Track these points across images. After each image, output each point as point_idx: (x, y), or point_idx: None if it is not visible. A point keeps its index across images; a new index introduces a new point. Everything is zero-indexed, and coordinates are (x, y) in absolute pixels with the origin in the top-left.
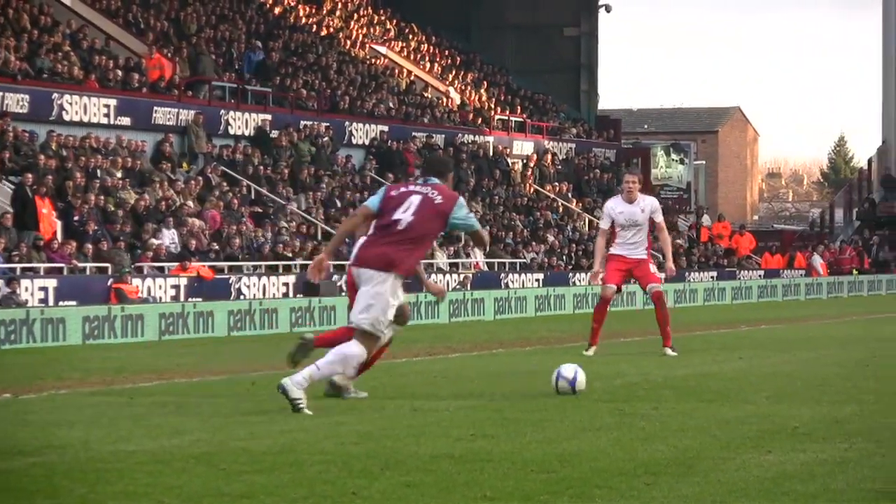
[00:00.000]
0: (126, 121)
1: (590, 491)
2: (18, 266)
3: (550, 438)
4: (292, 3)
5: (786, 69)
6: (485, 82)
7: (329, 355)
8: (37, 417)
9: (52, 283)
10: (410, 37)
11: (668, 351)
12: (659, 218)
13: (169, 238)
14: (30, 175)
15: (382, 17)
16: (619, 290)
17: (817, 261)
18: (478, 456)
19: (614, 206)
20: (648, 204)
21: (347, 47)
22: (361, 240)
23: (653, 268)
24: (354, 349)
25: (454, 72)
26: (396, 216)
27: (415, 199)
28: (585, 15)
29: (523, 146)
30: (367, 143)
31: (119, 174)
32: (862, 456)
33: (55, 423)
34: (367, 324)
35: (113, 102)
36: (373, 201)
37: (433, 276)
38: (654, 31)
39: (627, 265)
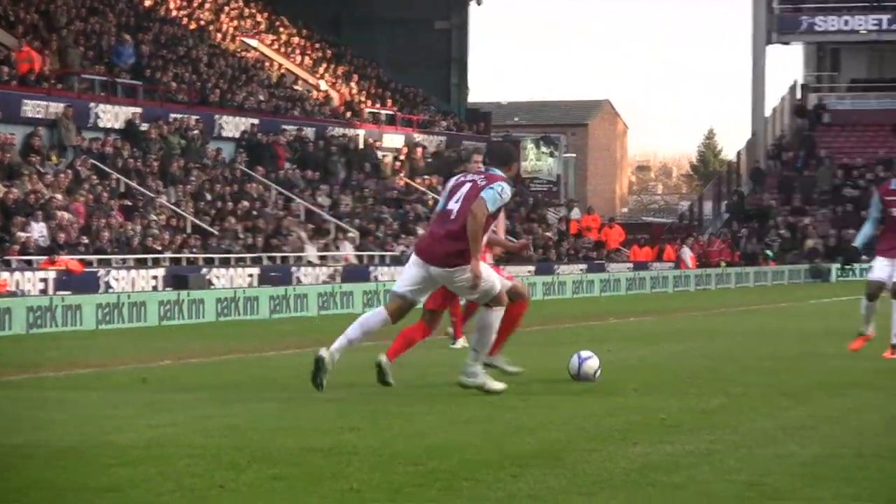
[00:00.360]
0: None
1: (457, 483)
2: None
3: (419, 431)
4: None
5: (655, 62)
6: (355, 75)
7: (476, 333)
8: None
9: None
10: (281, 30)
11: (460, 342)
12: None
13: (38, 231)
14: None
15: (253, 10)
16: None
17: (686, 253)
18: (345, 449)
19: None
20: None
21: (218, 40)
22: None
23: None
24: (494, 315)
25: (325, 65)
26: (450, 206)
27: (465, 188)
28: (456, 8)
29: (393, 139)
30: (237, 136)
31: None
32: (728, 447)
33: None
34: (486, 299)
35: None
36: (440, 203)
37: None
38: (525, 24)
39: None
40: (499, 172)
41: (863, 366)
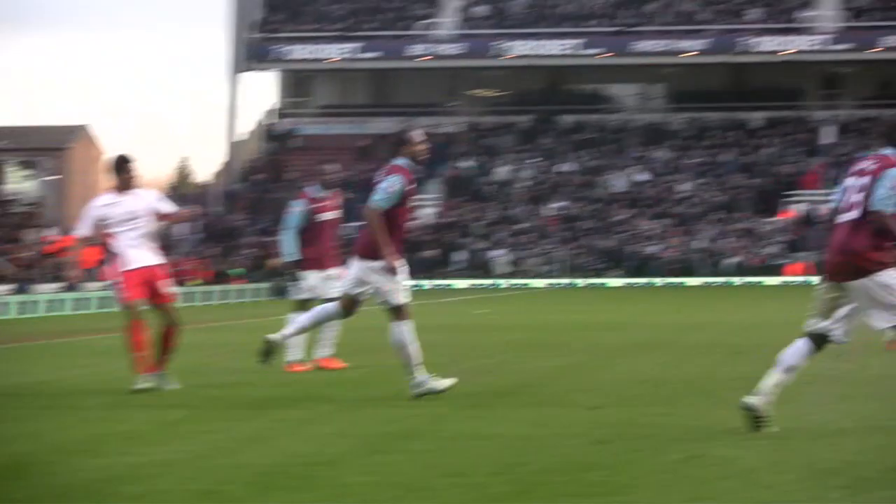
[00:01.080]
0: None
1: None
2: None
3: None
4: None
5: (134, 88)
6: None
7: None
8: None
9: None
10: None
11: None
12: None
13: None
14: None
15: None
16: None
17: None
18: None
19: None
20: None
21: None
22: None
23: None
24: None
25: None
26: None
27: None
28: None
29: None
30: None
31: None
32: (188, 458)
33: None
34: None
35: None
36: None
37: None
38: (20, 52)
39: None
40: (398, 162)
41: (317, 378)
